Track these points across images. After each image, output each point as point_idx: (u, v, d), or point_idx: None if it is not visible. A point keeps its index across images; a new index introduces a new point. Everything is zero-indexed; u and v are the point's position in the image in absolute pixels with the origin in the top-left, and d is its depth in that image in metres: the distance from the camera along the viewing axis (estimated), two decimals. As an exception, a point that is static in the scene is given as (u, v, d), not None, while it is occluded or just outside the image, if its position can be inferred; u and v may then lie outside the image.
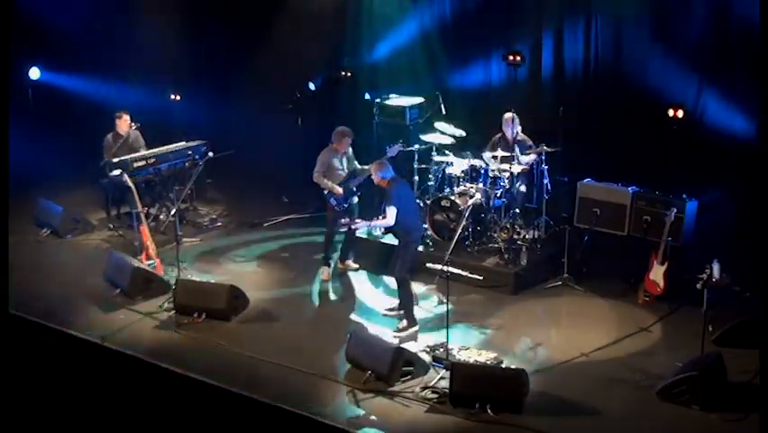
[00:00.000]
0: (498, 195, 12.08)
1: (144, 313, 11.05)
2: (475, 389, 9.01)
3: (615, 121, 12.96)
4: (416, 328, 10.50)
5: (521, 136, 12.32)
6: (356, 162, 11.91)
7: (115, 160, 12.99)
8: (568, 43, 13.49)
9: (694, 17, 12.34)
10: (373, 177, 10.66)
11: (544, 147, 12.11)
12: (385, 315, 10.97)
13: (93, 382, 9.88)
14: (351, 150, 11.89)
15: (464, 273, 11.66)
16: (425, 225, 12.01)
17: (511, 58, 13.36)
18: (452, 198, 12.02)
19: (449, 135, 12.64)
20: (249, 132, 15.20)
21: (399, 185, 10.63)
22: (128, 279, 11.38)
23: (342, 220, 10.79)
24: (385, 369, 9.41)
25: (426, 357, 9.86)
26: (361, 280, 12.06)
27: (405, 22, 14.92)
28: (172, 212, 12.16)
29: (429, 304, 11.16)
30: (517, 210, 12.14)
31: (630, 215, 11.77)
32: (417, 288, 11.29)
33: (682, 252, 11.25)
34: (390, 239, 11.92)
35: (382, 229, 11.15)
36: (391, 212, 10.36)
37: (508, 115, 12.27)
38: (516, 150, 12.12)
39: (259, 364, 9.93)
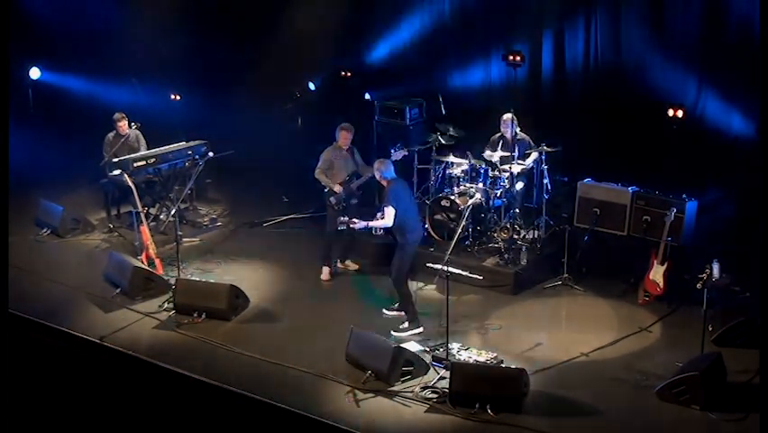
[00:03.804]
0: (498, 195, 12.08)
1: (144, 313, 11.05)
2: (475, 389, 9.02)
3: (615, 121, 12.97)
4: (419, 330, 10.49)
5: (521, 135, 12.32)
6: (363, 163, 11.90)
7: (115, 160, 12.98)
8: (568, 43, 13.51)
9: (694, 17, 12.35)
10: (375, 173, 10.67)
11: (544, 147, 12.12)
12: (385, 315, 10.97)
13: (93, 382, 9.89)
14: (357, 151, 11.88)
15: (464, 273, 11.66)
16: (426, 226, 12.01)
17: (511, 58, 13.37)
18: (452, 197, 12.02)
19: (449, 135, 12.65)
20: (249, 132, 15.20)
21: (399, 186, 10.62)
22: (128, 279, 11.38)
23: (341, 218, 10.79)
24: (385, 369, 9.41)
25: (426, 357, 9.86)
26: (360, 281, 12.06)
27: (405, 22, 14.94)
28: (172, 212, 12.18)
29: (429, 304, 11.14)
30: (517, 210, 12.15)
31: (630, 215, 11.77)
32: (417, 287, 11.31)
33: (682, 252, 11.25)
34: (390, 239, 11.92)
35: (381, 230, 11.14)
36: (389, 212, 10.35)
37: (507, 115, 12.27)
38: (517, 150, 12.12)
39: (259, 364, 9.94)
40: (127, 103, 14.78)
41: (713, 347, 9.79)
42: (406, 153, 11.93)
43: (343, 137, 11.72)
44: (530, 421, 8.81)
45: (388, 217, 10.38)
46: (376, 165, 10.66)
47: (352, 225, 10.71)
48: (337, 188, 11.68)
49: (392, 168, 10.62)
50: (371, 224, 10.74)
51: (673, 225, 11.06)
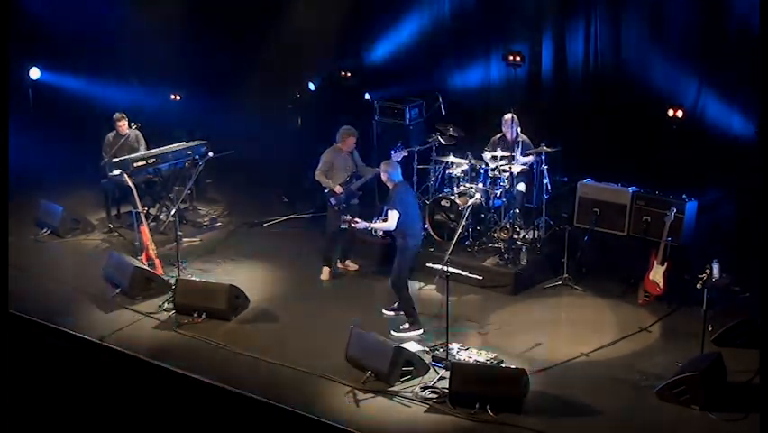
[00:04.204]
0: (498, 195, 12.08)
1: (144, 313, 11.05)
2: (475, 389, 9.02)
3: (615, 121, 12.97)
4: (419, 331, 10.48)
5: (522, 137, 12.32)
6: (363, 163, 11.90)
7: (115, 160, 12.98)
8: (568, 43, 13.51)
9: (694, 17, 12.35)
10: (382, 174, 10.65)
11: (544, 147, 12.12)
12: (385, 315, 10.97)
13: (93, 382, 9.89)
14: (356, 152, 11.88)
15: (464, 273, 11.65)
16: (426, 226, 12.01)
17: (511, 58, 13.36)
18: (452, 197, 12.02)
19: (448, 136, 12.65)
20: (249, 132, 15.20)
21: (405, 190, 10.60)
22: (128, 279, 11.38)
23: (344, 217, 10.79)
24: (385, 369, 9.41)
25: (426, 357, 9.86)
26: (361, 281, 12.06)
27: (405, 22, 14.94)
28: (172, 212, 12.18)
29: (429, 304, 11.14)
30: (517, 210, 12.15)
31: (630, 215, 11.77)
32: (417, 287, 11.31)
33: (682, 252, 11.24)
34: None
35: (381, 232, 11.13)
36: (393, 216, 10.32)
37: (508, 115, 12.28)
38: (517, 150, 12.12)
39: (259, 364, 9.94)
40: (127, 103, 14.78)
41: (713, 347, 9.79)
42: (406, 154, 11.94)
43: (348, 143, 11.69)
44: (530, 421, 8.80)
45: (391, 220, 10.36)
46: (383, 167, 10.65)
47: (354, 225, 10.72)
48: (338, 189, 11.68)
49: (399, 170, 10.59)
50: (374, 225, 10.72)
51: (673, 225, 11.06)
